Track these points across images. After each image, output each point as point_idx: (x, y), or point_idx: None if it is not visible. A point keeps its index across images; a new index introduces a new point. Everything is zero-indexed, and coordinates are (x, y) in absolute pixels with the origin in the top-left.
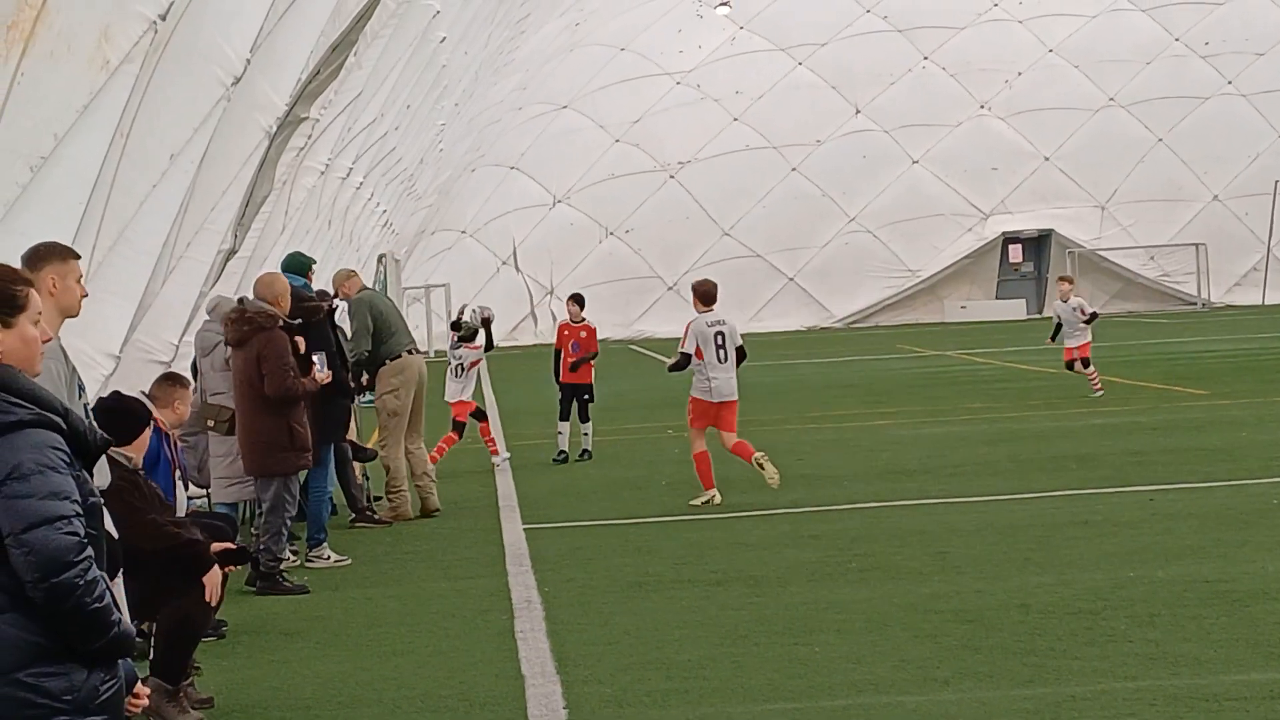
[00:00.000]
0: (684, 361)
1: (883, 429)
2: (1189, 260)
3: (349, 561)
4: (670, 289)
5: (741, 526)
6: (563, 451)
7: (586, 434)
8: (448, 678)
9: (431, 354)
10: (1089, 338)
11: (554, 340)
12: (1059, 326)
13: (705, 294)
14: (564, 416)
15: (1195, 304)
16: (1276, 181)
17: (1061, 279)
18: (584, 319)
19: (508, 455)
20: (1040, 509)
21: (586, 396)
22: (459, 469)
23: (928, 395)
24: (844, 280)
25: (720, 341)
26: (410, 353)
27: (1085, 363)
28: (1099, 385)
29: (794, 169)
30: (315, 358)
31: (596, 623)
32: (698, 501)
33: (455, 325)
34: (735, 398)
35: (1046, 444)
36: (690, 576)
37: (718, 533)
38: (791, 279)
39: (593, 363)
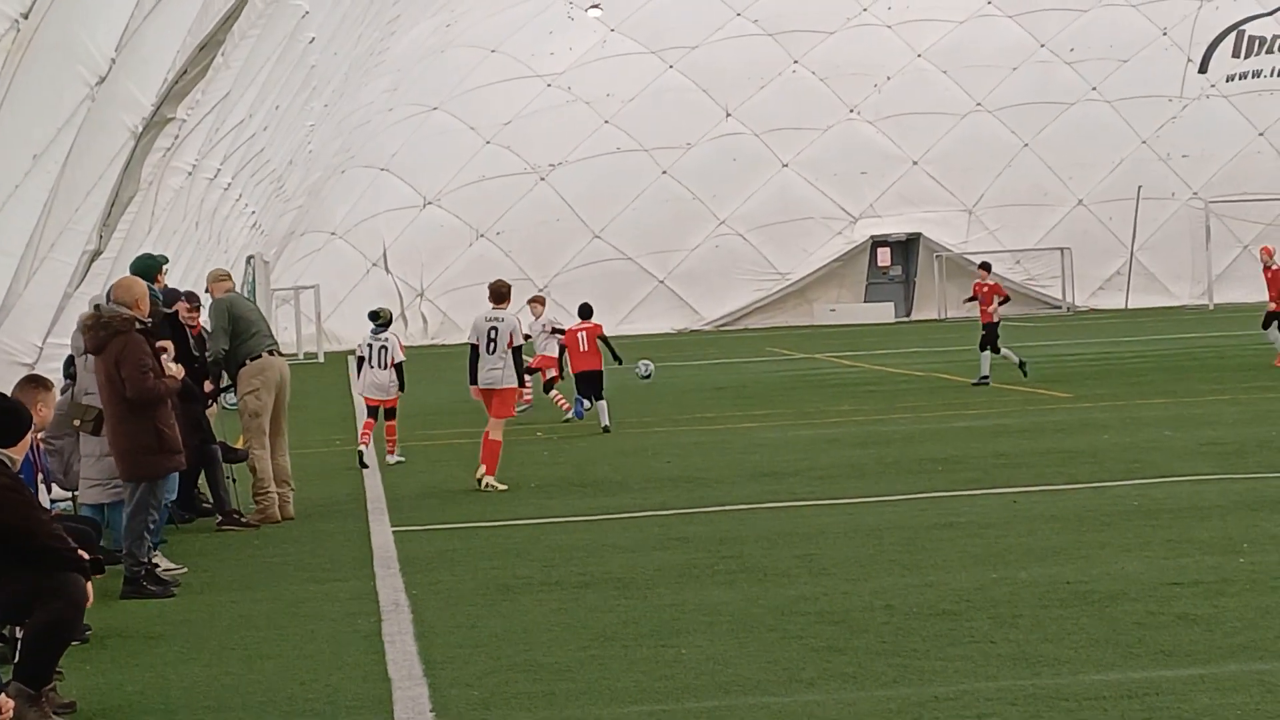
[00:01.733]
0: (471, 352)
1: (752, 431)
2: (1054, 264)
3: (184, 570)
4: (541, 290)
5: (610, 529)
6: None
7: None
8: (314, 681)
9: (300, 356)
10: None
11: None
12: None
13: (493, 292)
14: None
15: (1060, 307)
16: (1140, 187)
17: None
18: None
19: (402, 459)
20: (906, 511)
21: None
22: (328, 469)
23: (797, 398)
24: (714, 283)
25: (492, 335)
26: (271, 353)
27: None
28: None
29: (664, 171)
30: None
31: (464, 625)
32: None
33: (374, 315)
34: (499, 386)
35: (913, 446)
36: (558, 579)
37: (586, 535)
38: (662, 281)
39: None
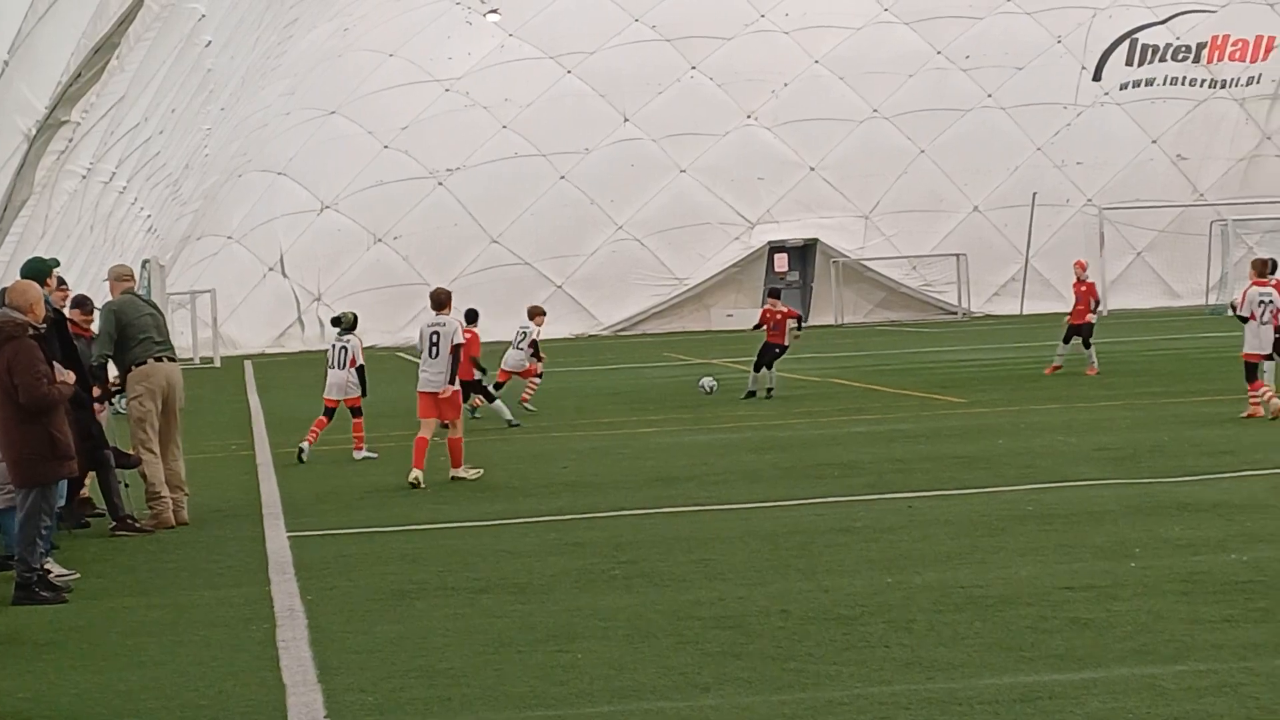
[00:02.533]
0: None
1: (648, 436)
2: (950, 270)
3: (77, 576)
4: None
5: (507, 534)
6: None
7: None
8: (208, 687)
9: (196, 360)
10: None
11: None
12: None
13: (434, 299)
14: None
15: (956, 313)
16: (1035, 193)
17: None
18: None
19: (373, 455)
20: (803, 516)
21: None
22: (224, 474)
23: (694, 403)
24: (612, 288)
25: (434, 340)
26: (159, 359)
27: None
28: None
29: (562, 177)
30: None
31: (359, 631)
32: (409, 477)
33: (335, 321)
34: (435, 389)
35: (810, 451)
36: (454, 584)
37: (483, 540)
38: (560, 286)
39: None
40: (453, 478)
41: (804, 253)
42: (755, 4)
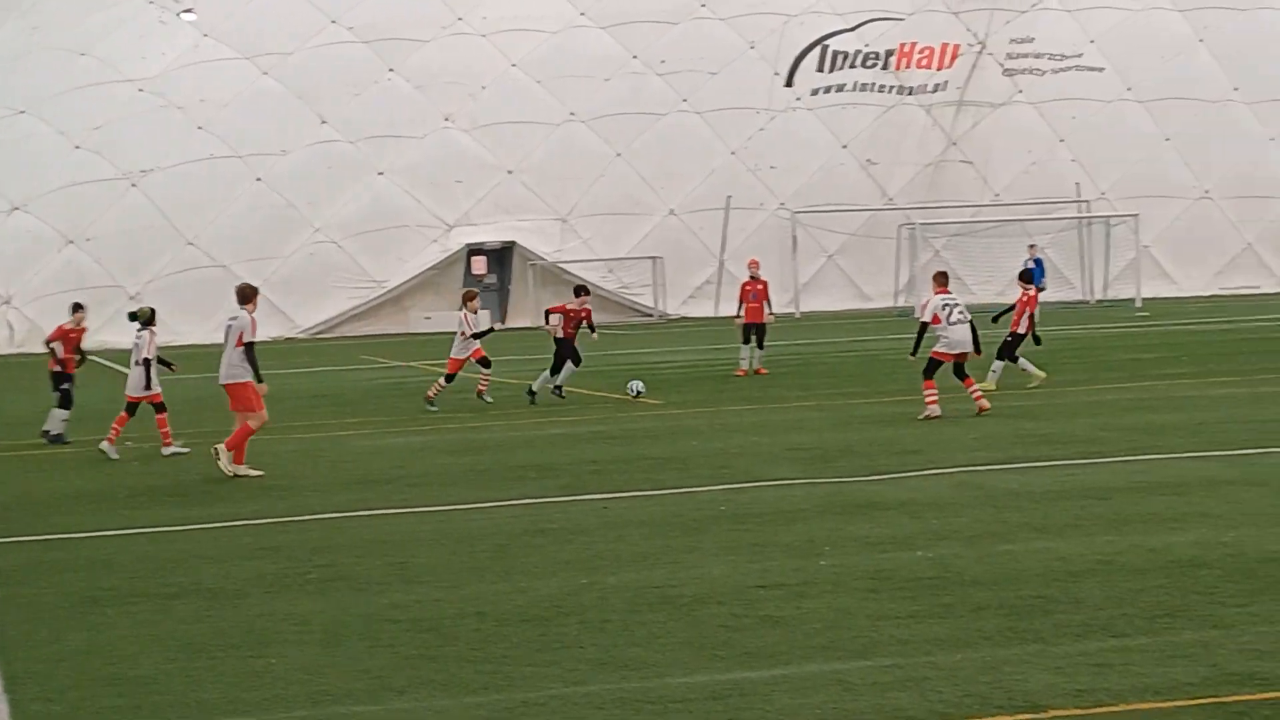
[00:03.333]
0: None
1: (346, 439)
2: (646, 273)
3: None
4: (131, 298)
5: (201, 539)
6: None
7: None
8: None
9: None
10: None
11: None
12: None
13: (238, 293)
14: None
15: (652, 315)
16: (729, 197)
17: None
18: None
19: (183, 450)
20: (499, 518)
21: None
22: None
23: (392, 406)
24: (310, 290)
25: (226, 334)
26: None
27: None
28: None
29: (259, 178)
30: None
31: (48, 639)
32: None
33: (132, 316)
34: (231, 382)
35: (507, 454)
36: (146, 590)
37: (176, 545)
38: (257, 290)
39: None
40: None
41: (502, 255)
42: (453, 7)
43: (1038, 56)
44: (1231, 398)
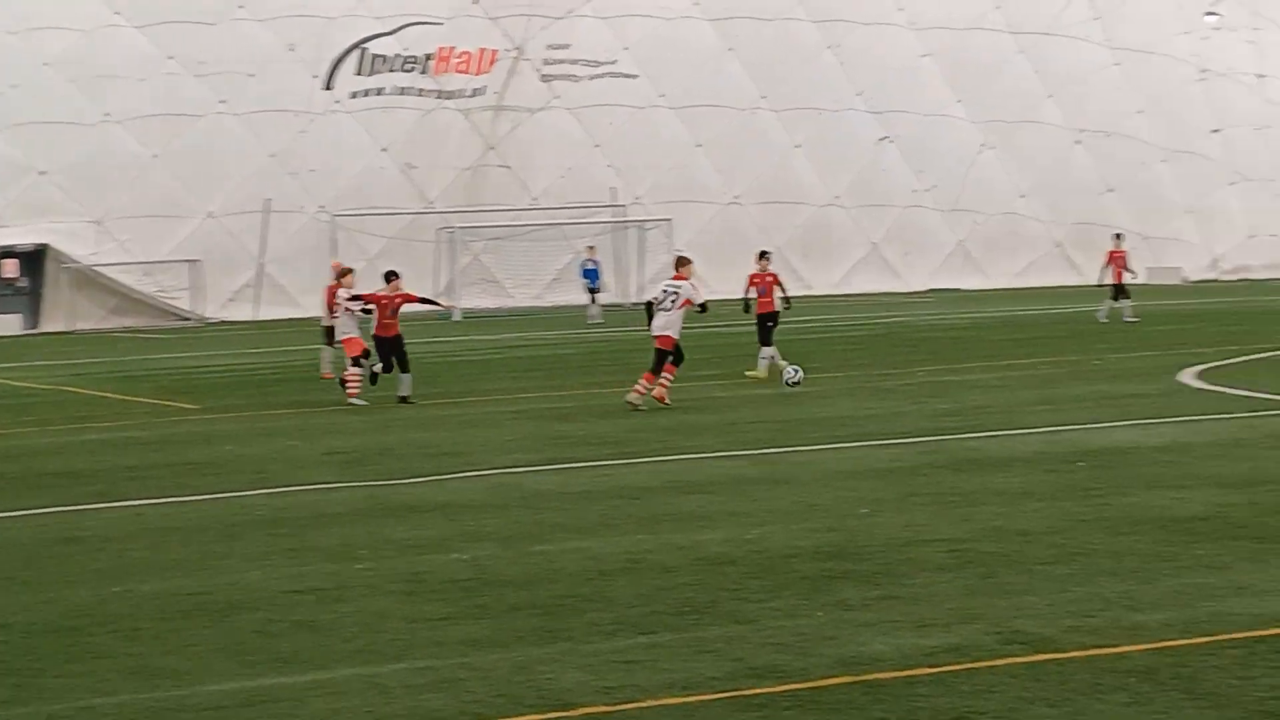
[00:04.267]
0: None
1: None
2: (184, 276)
3: None
4: None
5: None
6: None
7: None
8: None
9: None
10: None
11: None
12: None
13: None
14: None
15: (190, 319)
16: (268, 200)
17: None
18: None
19: None
20: (26, 527)
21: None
22: None
23: None
24: None
25: None
26: None
27: None
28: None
29: None
30: None
31: None
32: None
33: None
34: None
35: (37, 461)
36: None
37: None
38: None
39: None
40: None
41: (34, 258)
42: None
43: (574, 63)
44: (759, 397)
